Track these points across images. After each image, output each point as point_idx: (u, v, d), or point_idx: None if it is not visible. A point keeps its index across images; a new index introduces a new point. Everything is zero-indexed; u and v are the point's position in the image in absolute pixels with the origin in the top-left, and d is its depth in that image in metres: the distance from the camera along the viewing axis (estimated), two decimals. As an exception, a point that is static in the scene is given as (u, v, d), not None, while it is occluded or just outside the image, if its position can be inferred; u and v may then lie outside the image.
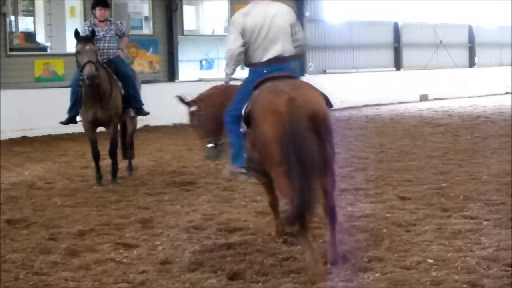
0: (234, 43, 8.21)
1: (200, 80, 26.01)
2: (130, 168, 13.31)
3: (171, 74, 25.97)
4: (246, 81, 8.35)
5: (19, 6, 24.37)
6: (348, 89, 30.67)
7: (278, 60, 8.09)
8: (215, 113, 9.03)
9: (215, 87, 9.47)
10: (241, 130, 8.12)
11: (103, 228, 9.26)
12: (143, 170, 13.72)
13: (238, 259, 7.55)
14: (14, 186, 12.66)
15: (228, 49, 8.38)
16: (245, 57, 8.32)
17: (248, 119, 7.82)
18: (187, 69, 26.79)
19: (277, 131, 7.08)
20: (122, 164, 13.08)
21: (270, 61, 8.07)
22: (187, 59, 26.93)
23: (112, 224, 9.45)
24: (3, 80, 21.53)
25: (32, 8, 25.12)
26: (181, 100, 9.48)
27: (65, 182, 12.94)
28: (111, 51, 12.39)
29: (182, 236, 8.74)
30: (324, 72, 31.15)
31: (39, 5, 25.13)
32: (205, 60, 27.63)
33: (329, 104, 7.98)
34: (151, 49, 25.40)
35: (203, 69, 27.41)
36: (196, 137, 10.10)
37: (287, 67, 8.16)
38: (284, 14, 8.29)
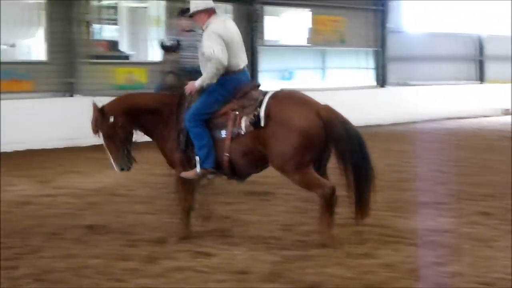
0: (223, 54, 8.81)
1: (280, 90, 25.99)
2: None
3: (252, 83, 25.91)
4: (220, 87, 8.96)
5: (103, 15, 24.71)
6: (429, 101, 30.36)
7: (244, 70, 9.31)
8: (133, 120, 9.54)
9: (124, 97, 10.05)
10: (242, 132, 8.72)
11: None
12: (222, 179, 13.75)
13: (318, 271, 7.53)
14: (95, 192, 12.81)
15: (217, 59, 8.77)
16: None
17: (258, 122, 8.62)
18: (268, 79, 26.76)
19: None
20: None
21: (243, 69, 9.20)
22: (267, 69, 26.93)
23: (192, 232, 9.50)
24: (86, 87, 21.84)
25: (116, 16, 25.44)
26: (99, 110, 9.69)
27: (146, 189, 13.06)
28: (195, 60, 12.45)
29: (260, 246, 8.73)
30: (405, 84, 30.86)
31: (123, 14, 25.45)
32: (285, 70, 27.60)
33: None
34: (232, 58, 25.40)
35: (282, 79, 27.35)
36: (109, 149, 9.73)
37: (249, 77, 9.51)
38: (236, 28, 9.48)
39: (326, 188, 8.66)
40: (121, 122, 9.28)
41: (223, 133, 8.80)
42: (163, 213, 10.79)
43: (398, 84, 30.65)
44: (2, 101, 19.93)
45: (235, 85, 8.98)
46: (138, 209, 11.23)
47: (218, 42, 8.83)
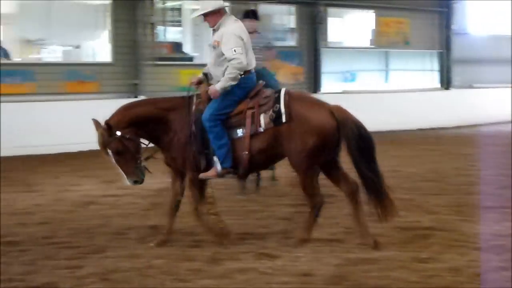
0: (243, 55, 8.93)
1: (344, 92, 26.04)
2: (272, 179, 13.38)
3: (315, 85, 25.98)
4: (237, 87, 8.94)
5: (167, 17, 24.87)
6: (494, 104, 29.98)
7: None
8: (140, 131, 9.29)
9: (127, 107, 9.50)
10: (261, 129, 8.83)
11: (245, 237, 9.34)
12: (284, 182, 13.74)
13: (382, 275, 7.49)
14: (158, 193, 12.86)
15: (239, 61, 8.83)
16: None
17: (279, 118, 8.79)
18: (330, 81, 26.74)
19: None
20: (265, 175, 13.12)
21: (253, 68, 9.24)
22: (330, 70, 26.89)
23: (254, 233, 9.53)
24: (150, 88, 22.01)
25: (180, 18, 25.58)
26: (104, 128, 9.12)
27: (211, 190, 13.08)
28: (259, 62, 12.47)
29: (324, 248, 8.70)
30: (470, 86, 30.55)
31: (187, 16, 25.57)
32: (348, 72, 27.51)
33: None
34: (295, 60, 25.48)
35: (345, 81, 27.28)
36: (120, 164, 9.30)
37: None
38: None
39: (319, 199, 9.18)
40: (128, 135, 9.03)
41: (240, 131, 8.90)
42: (227, 214, 10.79)
43: (463, 86, 30.37)
44: (67, 102, 20.18)
45: (250, 84, 9.11)
46: (201, 210, 11.25)
47: (238, 43, 8.89)
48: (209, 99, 8.92)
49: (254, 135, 8.82)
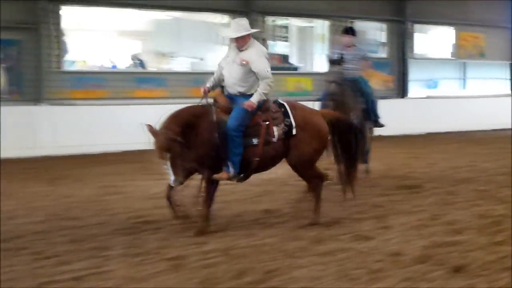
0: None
1: (427, 97, 25.82)
2: (366, 171, 13.26)
3: (402, 91, 25.78)
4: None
5: (276, 33, 24.95)
6: None
7: None
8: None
9: (176, 115, 8.96)
10: (274, 139, 8.88)
11: (343, 221, 9.29)
12: (376, 174, 13.61)
13: (462, 255, 7.38)
14: (269, 182, 12.88)
15: (272, 80, 8.91)
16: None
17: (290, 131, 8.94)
18: (416, 88, 26.51)
19: None
20: (360, 167, 12.97)
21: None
22: (416, 78, 26.64)
23: (351, 218, 9.47)
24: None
25: (287, 34, 25.63)
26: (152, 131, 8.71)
27: (312, 180, 13.09)
28: (356, 71, 12.42)
29: (411, 232, 8.62)
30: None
31: (293, 32, 25.60)
32: (431, 80, 27.23)
33: None
34: (386, 70, 25.30)
35: (429, 88, 27.00)
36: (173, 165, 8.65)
37: None
38: None
39: (322, 176, 9.44)
40: (181, 138, 8.60)
41: (255, 140, 8.85)
42: (327, 201, 10.75)
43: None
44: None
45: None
46: (305, 197, 11.25)
47: (267, 62, 8.95)
48: (229, 110, 8.88)
49: (266, 143, 8.86)
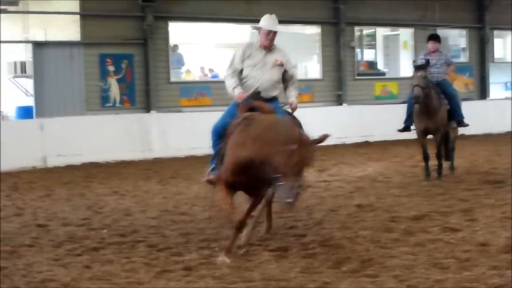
0: None
1: (506, 98, 25.25)
2: (451, 168, 13.04)
3: (483, 93, 25.32)
4: None
5: (364, 41, 24.84)
6: None
7: None
8: None
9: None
10: None
11: (432, 214, 9.14)
12: (461, 170, 13.37)
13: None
14: (360, 179, 12.87)
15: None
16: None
17: None
18: (495, 90, 26.00)
19: None
20: (445, 164, 12.80)
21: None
22: (495, 81, 26.13)
23: (439, 211, 9.30)
24: (351, 98, 22.03)
25: (374, 42, 25.47)
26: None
27: (400, 177, 12.95)
28: (440, 75, 12.26)
29: (496, 224, 8.41)
30: None
31: (380, 40, 25.41)
32: (510, 82, 26.63)
33: None
34: (467, 73, 24.89)
35: (508, 89, 26.42)
36: None
37: None
38: None
39: None
40: None
41: None
42: (415, 196, 10.64)
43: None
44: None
45: None
46: (394, 192, 11.15)
47: None
48: None
49: None
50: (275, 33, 7.90)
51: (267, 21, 7.94)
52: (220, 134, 7.72)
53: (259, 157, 6.54)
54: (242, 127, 7.08)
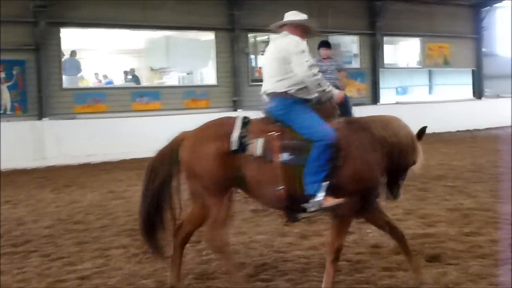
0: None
1: (397, 103, 25.99)
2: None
3: (374, 98, 25.93)
4: None
5: (258, 48, 25.01)
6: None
7: (269, 95, 6.27)
8: None
9: None
10: None
11: (325, 218, 9.15)
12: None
13: (434, 246, 7.39)
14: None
15: None
16: None
17: None
18: (387, 94, 26.69)
19: None
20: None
21: (267, 95, 6.32)
22: (386, 86, 26.84)
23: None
24: (246, 103, 22.14)
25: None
26: None
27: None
28: (332, 81, 12.43)
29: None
30: (498, 96, 30.13)
31: (273, 47, 25.70)
32: (400, 87, 27.43)
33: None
34: (359, 79, 25.45)
35: (398, 94, 27.21)
36: None
37: (269, 103, 6.26)
38: (274, 49, 6.32)
39: None
40: None
41: None
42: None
43: (492, 97, 30.09)
44: (185, 115, 20.46)
45: None
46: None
47: None
48: None
49: None
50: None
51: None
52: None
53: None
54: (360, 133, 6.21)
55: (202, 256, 7.36)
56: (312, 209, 5.80)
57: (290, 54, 6.10)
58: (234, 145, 5.83)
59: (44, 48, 18.58)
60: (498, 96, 30.20)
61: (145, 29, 21.37)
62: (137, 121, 19.64)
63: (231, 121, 6.06)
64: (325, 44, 12.90)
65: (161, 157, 6.09)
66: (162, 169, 6.02)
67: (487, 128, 27.42)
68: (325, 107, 10.28)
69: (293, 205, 5.88)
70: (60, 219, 10.05)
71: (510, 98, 29.99)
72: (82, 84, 21.50)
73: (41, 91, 18.55)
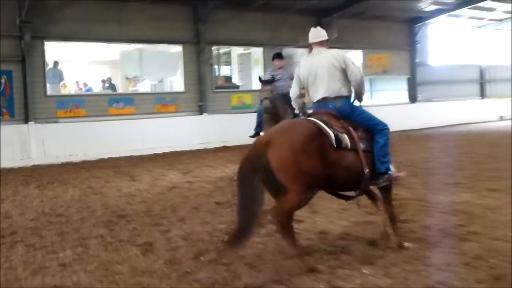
0: (293, 90, 7.10)
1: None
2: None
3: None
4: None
5: (221, 59, 24.98)
6: (447, 112, 30.23)
7: (324, 99, 6.66)
8: None
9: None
10: None
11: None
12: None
13: (376, 231, 7.40)
14: (219, 179, 12.89)
15: (290, 95, 7.23)
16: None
17: None
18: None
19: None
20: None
21: (318, 101, 6.72)
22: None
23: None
24: (211, 108, 22.08)
25: (229, 60, 25.69)
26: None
27: (253, 176, 13.04)
28: (285, 88, 12.45)
29: (334, 214, 8.61)
30: (430, 100, 30.50)
31: (234, 58, 25.66)
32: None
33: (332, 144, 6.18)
34: (309, 86, 25.55)
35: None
36: None
37: (328, 106, 6.66)
38: (328, 61, 6.70)
39: None
40: None
41: None
42: (266, 193, 10.71)
43: (425, 100, 30.46)
44: (156, 119, 20.39)
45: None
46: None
47: (294, 78, 7.13)
48: None
49: None
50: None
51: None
52: None
53: None
54: None
55: (171, 244, 7.30)
56: (384, 183, 6.63)
57: (347, 64, 6.68)
58: (334, 142, 6.12)
59: (29, 59, 18.34)
60: (429, 100, 30.60)
61: (120, 42, 21.20)
62: (114, 124, 19.54)
63: (303, 122, 6.30)
64: (279, 56, 12.90)
65: (250, 163, 5.95)
66: (253, 173, 5.90)
67: (420, 128, 27.81)
68: (279, 109, 10.73)
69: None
70: (43, 212, 9.90)
71: (440, 102, 30.56)
72: (64, 91, 21.27)
73: (27, 98, 18.30)
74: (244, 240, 5.91)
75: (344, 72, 6.70)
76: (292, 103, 7.19)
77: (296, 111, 7.49)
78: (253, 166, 5.89)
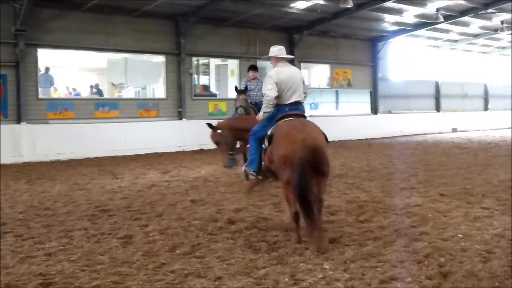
0: (272, 92, 7.27)
1: (310, 116, 26.10)
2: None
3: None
4: (272, 114, 7.42)
5: (200, 69, 24.95)
6: (405, 123, 30.43)
7: (297, 103, 7.37)
8: (235, 134, 9.61)
9: (238, 118, 10.36)
10: (263, 146, 7.45)
11: (249, 207, 9.26)
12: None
13: (336, 230, 7.45)
14: (195, 179, 12.85)
15: (267, 96, 7.35)
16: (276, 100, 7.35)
17: (271, 139, 7.13)
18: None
19: (289, 156, 6.61)
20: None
21: (291, 103, 7.31)
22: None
23: (255, 205, 9.43)
24: (190, 114, 22.03)
25: (208, 70, 25.65)
26: (209, 126, 10.06)
27: (227, 178, 13.00)
28: (258, 97, 12.48)
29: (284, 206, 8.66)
30: (390, 112, 30.70)
31: (212, 68, 25.64)
32: (313, 103, 27.63)
33: (326, 139, 7.11)
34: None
35: (311, 109, 27.40)
36: (220, 152, 10.44)
37: (300, 108, 7.47)
38: (299, 73, 7.52)
39: None
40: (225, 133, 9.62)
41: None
42: (238, 193, 10.77)
43: (385, 112, 30.64)
44: (139, 123, 20.31)
45: (280, 113, 7.35)
46: (222, 190, 11.21)
47: (270, 84, 7.27)
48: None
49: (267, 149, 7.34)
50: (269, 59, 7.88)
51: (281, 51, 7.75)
52: None
53: None
54: None
55: (149, 237, 7.28)
56: None
57: (303, 78, 7.62)
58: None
59: (23, 65, 18.14)
60: (390, 112, 30.81)
61: (107, 51, 21.08)
62: (99, 126, 19.44)
63: (309, 122, 7.32)
64: (253, 68, 12.93)
65: (303, 156, 6.50)
66: (307, 163, 6.48)
67: (381, 138, 28.01)
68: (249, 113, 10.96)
69: None
70: (32, 205, 9.80)
71: (399, 114, 30.80)
72: (54, 95, 21.00)
73: (19, 100, 18.10)
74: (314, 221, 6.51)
75: (304, 84, 7.63)
76: (269, 101, 7.38)
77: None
78: (307, 159, 6.49)
